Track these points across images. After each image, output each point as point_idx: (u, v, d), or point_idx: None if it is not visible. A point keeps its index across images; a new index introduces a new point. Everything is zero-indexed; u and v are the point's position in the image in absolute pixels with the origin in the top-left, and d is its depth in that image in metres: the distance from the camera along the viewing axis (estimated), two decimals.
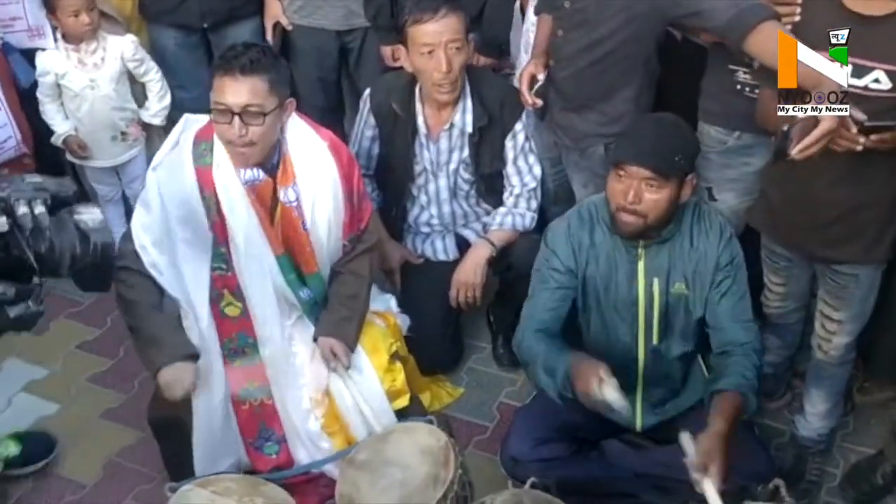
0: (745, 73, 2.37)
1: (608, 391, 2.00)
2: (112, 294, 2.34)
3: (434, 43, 2.55)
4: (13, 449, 2.63)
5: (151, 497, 2.53)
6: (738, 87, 2.40)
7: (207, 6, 3.21)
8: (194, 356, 2.31)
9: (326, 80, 3.30)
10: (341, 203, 2.40)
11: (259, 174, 2.32)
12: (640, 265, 2.28)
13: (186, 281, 2.33)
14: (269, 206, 2.34)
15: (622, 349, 2.34)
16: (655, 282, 2.28)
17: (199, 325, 2.35)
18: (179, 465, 2.41)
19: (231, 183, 2.30)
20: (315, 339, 2.45)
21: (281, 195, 2.34)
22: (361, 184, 2.50)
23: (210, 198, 2.29)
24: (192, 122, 2.37)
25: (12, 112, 2.97)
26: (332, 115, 3.35)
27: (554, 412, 2.33)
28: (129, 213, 3.47)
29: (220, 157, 2.30)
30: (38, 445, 2.67)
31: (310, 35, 3.22)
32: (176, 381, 2.26)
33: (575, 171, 2.74)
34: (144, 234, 2.32)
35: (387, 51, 3.16)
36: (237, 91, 2.19)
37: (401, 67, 2.77)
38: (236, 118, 2.20)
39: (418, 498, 2.22)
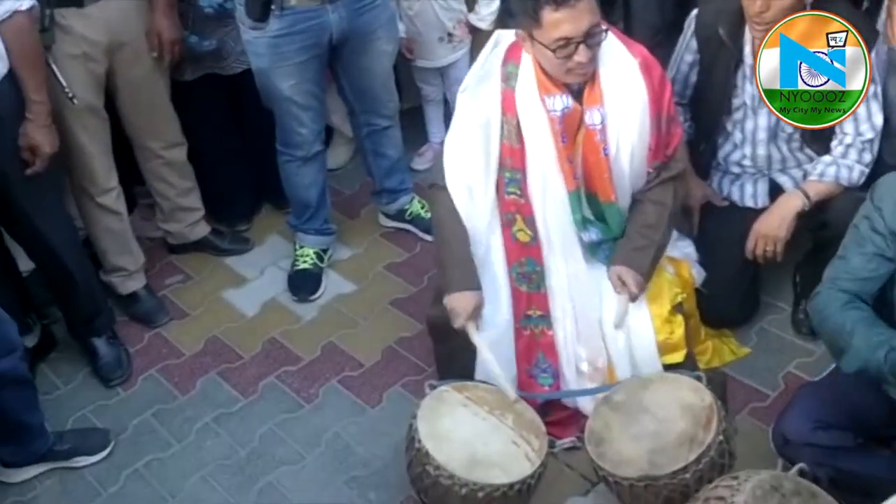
0: None
1: None
2: None
3: None
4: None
5: (417, 388, 2.63)
6: None
7: None
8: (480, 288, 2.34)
9: None
10: (647, 127, 2.26)
11: (569, 102, 2.23)
12: None
13: (476, 203, 2.34)
14: (573, 130, 2.26)
15: None
16: None
17: (483, 249, 2.37)
18: (448, 367, 2.49)
19: (535, 110, 2.24)
20: (608, 269, 2.37)
21: (586, 117, 2.25)
22: (672, 106, 2.34)
23: (511, 121, 2.26)
24: (503, 40, 2.32)
25: None
26: (664, 35, 3.13)
27: (844, 394, 2.06)
28: (447, 115, 3.59)
29: (526, 82, 2.24)
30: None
31: None
32: (457, 310, 2.31)
33: None
34: (451, 153, 2.36)
35: None
36: (577, 19, 2.09)
37: None
38: (581, 46, 2.12)
39: (670, 454, 2.10)
